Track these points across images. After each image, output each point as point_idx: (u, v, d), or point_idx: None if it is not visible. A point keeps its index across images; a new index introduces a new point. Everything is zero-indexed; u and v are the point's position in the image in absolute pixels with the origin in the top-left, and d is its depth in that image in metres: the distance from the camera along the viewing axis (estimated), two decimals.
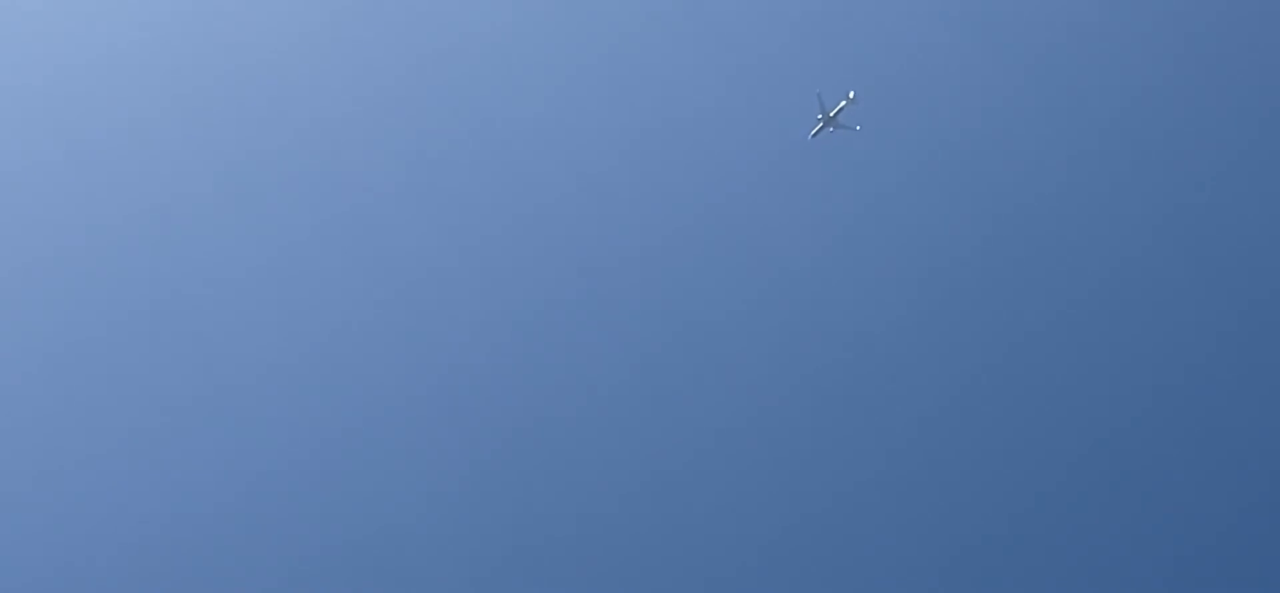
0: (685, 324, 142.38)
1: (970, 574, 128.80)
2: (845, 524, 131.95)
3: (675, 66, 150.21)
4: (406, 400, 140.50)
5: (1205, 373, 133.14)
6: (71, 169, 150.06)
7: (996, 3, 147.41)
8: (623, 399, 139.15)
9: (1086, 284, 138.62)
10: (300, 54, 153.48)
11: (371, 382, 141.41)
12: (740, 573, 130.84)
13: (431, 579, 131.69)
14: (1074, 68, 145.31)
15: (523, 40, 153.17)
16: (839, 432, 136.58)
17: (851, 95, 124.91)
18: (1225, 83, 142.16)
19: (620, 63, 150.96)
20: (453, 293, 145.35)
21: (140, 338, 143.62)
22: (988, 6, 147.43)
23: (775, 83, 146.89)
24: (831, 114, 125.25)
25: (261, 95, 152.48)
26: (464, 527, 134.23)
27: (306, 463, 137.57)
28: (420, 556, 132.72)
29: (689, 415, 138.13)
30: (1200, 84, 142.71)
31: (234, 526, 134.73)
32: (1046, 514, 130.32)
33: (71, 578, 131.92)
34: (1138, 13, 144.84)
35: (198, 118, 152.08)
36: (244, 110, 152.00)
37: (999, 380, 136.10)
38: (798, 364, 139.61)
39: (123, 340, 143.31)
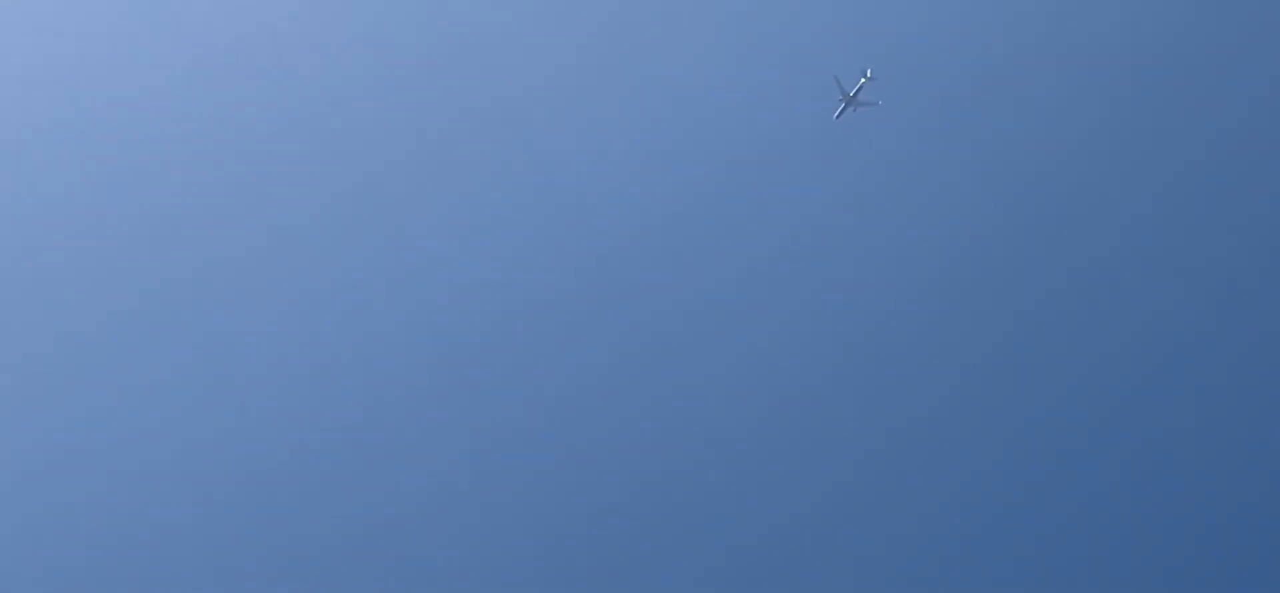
0: (709, 314, 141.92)
1: (1002, 568, 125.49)
2: (869, 514, 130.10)
3: (686, 62, 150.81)
4: (415, 395, 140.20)
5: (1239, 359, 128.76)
6: (77, 166, 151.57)
7: None
8: (640, 389, 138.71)
9: (1107, 260, 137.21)
10: (319, 47, 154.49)
11: (380, 377, 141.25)
12: (763, 567, 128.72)
13: (440, 576, 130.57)
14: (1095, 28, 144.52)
15: (541, 23, 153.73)
16: (860, 420, 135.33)
17: (868, 73, 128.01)
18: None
19: (634, 57, 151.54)
20: (464, 279, 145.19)
21: (147, 334, 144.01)
22: None
23: (789, 68, 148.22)
24: (852, 94, 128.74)
25: (270, 90, 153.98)
26: (473, 523, 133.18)
27: (312, 459, 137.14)
28: (427, 553, 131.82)
29: (709, 406, 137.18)
30: (1231, 41, 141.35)
31: (240, 523, 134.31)
32: (1077, 506, 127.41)
33: (77, 578, 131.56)
34: None
35: (207, 112, 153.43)
36: (251, 106, 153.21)
37: (1025, 361, 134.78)
38: (824, 349, 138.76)
39: (129, 336, 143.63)
